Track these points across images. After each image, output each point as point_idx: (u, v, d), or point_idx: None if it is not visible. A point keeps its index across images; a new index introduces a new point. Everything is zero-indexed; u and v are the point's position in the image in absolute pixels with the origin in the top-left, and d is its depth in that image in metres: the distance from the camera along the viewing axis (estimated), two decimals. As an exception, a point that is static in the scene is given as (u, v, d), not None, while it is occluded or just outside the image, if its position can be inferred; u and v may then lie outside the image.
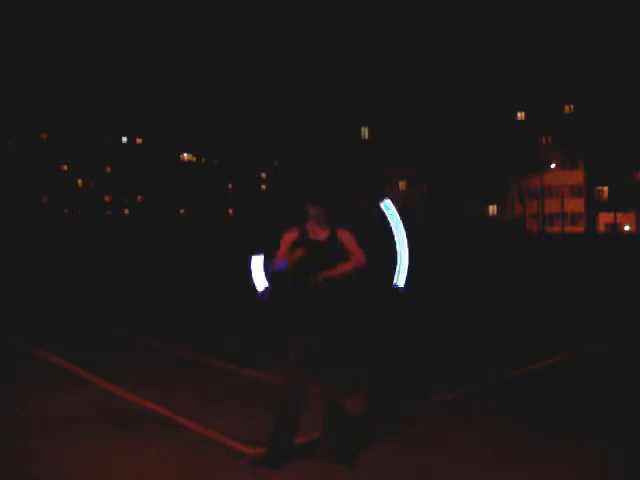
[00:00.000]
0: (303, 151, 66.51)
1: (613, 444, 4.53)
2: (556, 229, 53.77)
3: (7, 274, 15.95)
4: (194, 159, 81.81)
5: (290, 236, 4.28)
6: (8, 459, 4.34)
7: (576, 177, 60.24)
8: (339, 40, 72.32)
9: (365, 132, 68.68)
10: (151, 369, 6.80)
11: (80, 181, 74.59)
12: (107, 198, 75.91)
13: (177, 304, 11.79)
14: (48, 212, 64.32)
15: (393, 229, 4.32)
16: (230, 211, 78.11)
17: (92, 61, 71.93)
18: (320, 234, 4.25)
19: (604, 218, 56.37)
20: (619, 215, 52.07)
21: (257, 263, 4.41)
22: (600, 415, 5.19)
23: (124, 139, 77.49)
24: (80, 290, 13.56)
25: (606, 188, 58.57)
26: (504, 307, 11.39)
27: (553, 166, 60.47)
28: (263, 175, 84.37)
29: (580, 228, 57.54)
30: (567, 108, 61.15)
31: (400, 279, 4.31)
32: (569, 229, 53.70)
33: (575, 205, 59.13)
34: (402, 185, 67.01)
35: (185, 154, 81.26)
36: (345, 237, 4.27)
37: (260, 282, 4.40)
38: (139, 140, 78.38)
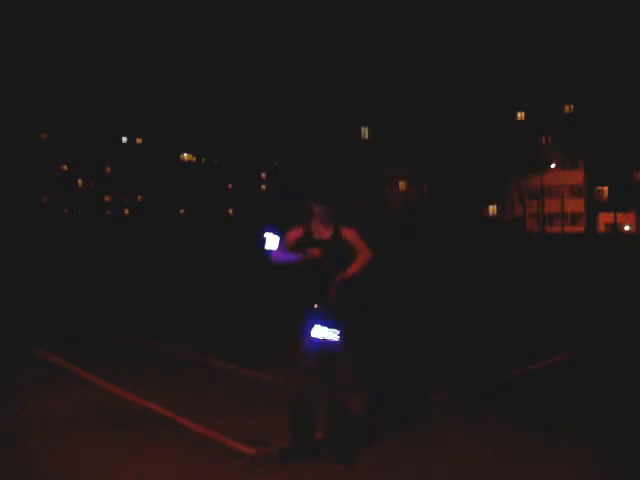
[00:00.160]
0: (303, 151, 66.49)
1: (613, 444, 4.53)
2: (556, 229, 53.74)
3: (7, 274, 15.94)
4: (194, 159, 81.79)
5: (294, 234, 4.28)
6: (8, 459, 4.33)
7: (576, 177, 60.23)
8: (339, 40, 72.29)
9: (365, 132, 68.67)
10: (151, 369, 6.80)
11: (80, 181, 74.56)
12: (107, 198, 75.87)
13: (177, 304, 11.78)
14: (48, 212, 64.27)
15: None
16: (230, 211, 78.09)
17: (92, 61, 71.94)
18: (324, 233, 4.25)
19: (604, 218, 56.36)
20: (619, 215, 52.04)
21: (271, 238, 4.31)
22: (600, 415, 5.19)
23: (124, 139, 77.47)
24: (80, 290, 13.55)
25: (606, 188, 58.56)
26: (504, 307, 11.39)
27: (553, 166, 60.46)
28: (263, 175, 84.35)
29: (580, 228, 57.52)
30: (567, 108, 61.14)
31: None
32: (569, 229, 53.67)
33: (575, 205, 59.13)
34: (402, 185, 66.98)
35: (185, 154, 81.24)
36: (350, 235, 4.27)
37: (272, 243, 4.27)
38: (139, 140, 78.36)
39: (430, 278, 15.32)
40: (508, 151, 60.61)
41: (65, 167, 73.13)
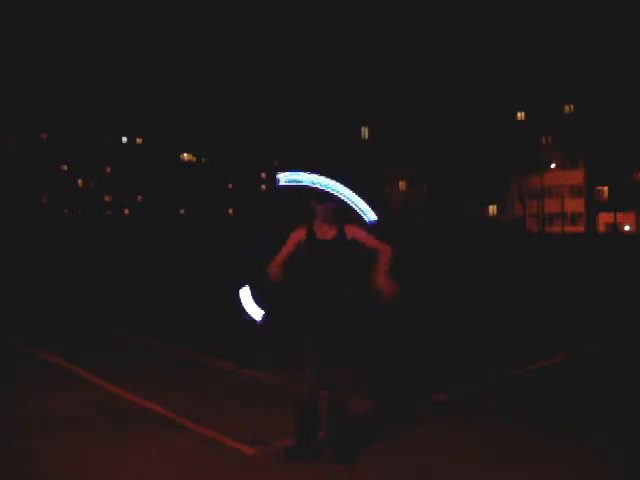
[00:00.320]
0: (303, 151, 66.50)
1: (613, 444, 4.53)
2: (556, 229, 53.75)
3: (7, 274, 15.94)
4: (194, 159, 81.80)
5: (297, 236, 4.25)
6: (8, 459, 4.34)
7: (576, 177, 60.25)
8: (339, 40, 72.32)
9: (365, 132, 68.69)
10: (151, 369, 6.80)
11: (80, 181, 74.58)
12: (107, 198, 75.90)
13: (177, 304, 11.78)
14: (48, 212, 64.28)
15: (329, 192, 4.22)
16: (230, 211, 78.08)
17: (92, 61, 71.95)
18: (328, 233, 4.22)
19: (604, 218, 56.38)
20: (619, 215, 52.05)
21: (245, 294, 4.38)
22: (600, 415, 5.19)
23: (124, 139, 77.48)
24: (80, 290, 13.55)
25: (606, 188, 58.58)
26: (504, 307, 11.39)
27: (553, 166, 60.47)
28: (263, 175, 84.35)
29: (580, 228, 57.54)
30: (567, 108, 61.16)
31: (368, 213, 4.22)
32: (569, 229, 53.69)
33: (575, 205, 59.15)
34: (402, 185, 67.01)
35: (185, 154, 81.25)
36: (356, 233, 4.22)
37: (254, 311, 4.35)
38: (139, 140, 78.37)
39: (430, 278, 15.32)
40: (508, 151, 60.63)
41: (65, 167, 73.14)
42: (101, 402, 5.55)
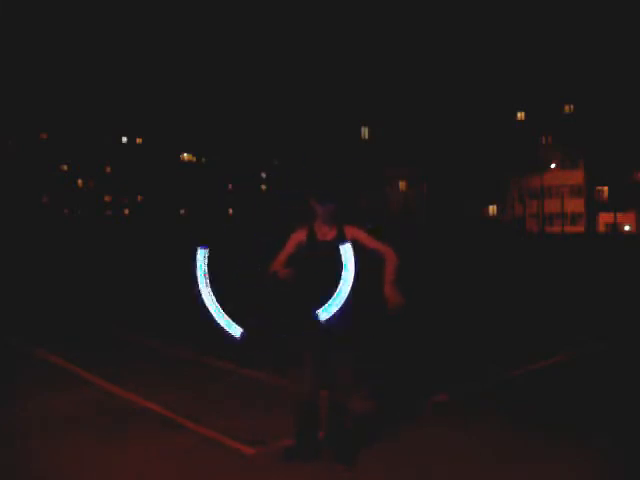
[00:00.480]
0: (303, 151, 66.50)
1: (613, 444, 4.53)
2: (556, 229, 53.79)
3: (7, 274, 15.94)
4: (194, 159, 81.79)
5: (297, 237, 4.24)
6: (8, 459, 4.34)
7: (576, 177, 60.27)
8: (339, 40, 72.31)
9: (365, 132, 68.70)
10: (151, 369, 6.80)
11: (80, 181, 74.56)
12: (107, 198, 75.87)
13: (177, 304, 11.77)
14: (48, 212, 64.30)
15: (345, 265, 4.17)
16: (230, 211, 78.06)
17: (92, 61, 71.94)
18: (328, 234, 4.20)
19: (604, 218, 56.41)
20: (619, 215, 52.09)
21: (219, 315, 4.36)
22: (600, 415, 5.19)
23: (124, 139, 77.47)
24: (80, 290, 13.55)
25: (606, 188, 58.61)
26: (504, 307, 11.39)
27: (553, 166, 60.49)
28: (263, 175, 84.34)
29: (580, 228, 57.56)
30: (567, 108, 61.19)
31: (327, 311, 4.02)
32: (569, 229, 53.72)
33: (575, 205, 59.18)
34: (402, 185, 67.02)
35: (185, 154, 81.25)
36: (356, 233, 4.20)
37: (233, 329, 4.32)
38: (139, 140, 78.35)
39: (430, 278, 15.32)
40: (508, 151, 60.66)
41: (65, 167, 73.12)
42: (101, 402, 5.55)
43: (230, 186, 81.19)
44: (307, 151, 65.70)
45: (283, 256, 4.24)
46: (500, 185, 62.14)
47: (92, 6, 75.43)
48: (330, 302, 3.99)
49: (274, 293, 4.48)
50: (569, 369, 6.76)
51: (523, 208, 54.88)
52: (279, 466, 4.14)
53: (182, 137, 78.32)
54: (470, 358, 7.27)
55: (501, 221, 61.09)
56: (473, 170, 60.76)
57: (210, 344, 8.07)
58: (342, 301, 4.00)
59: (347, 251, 4.00)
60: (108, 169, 76.06)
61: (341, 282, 3.99)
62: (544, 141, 62.64)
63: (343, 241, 4.12)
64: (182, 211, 75.92)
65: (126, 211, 75.39)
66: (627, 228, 55.17)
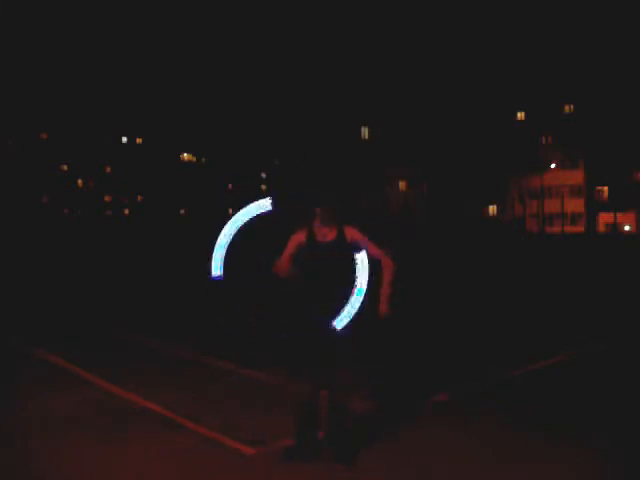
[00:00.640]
0: (303, 151, 66.48)
1: (613, 444, 4.53)
2: (556, 229, 53.75)
3: (7, 274, 15.94)
4: (194, 159, 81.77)
5: (297, 238, 4.24)
6: (8, 459, 4.34)
7: (576, 177, 60.25)
8: (339, 40, 72.28)
9: (365, 132, 68.68)
10: (151, 369, 6.80)
11: (80, 181, 74.55)
12: (107, 198, 75.85)
13: (177, 304, 11.78)
14: (48, 212, 64.28)
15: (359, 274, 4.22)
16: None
17: (92, 61, 71.93)
18: (328, 235, 4.20)
19: (604, 218, 56.37)
20: (619, 215, 52.05)
21: (219, 252, 4.38)
22: (600, 415, 5.19)
23: (124, 139, 77.45)
24: (80, 290, 13.55)
25: (606, 188, 58.58)
26: (504, 307, 11.39)
27: (553, 166, 60.46)
28: (263, 175, 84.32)
29: (580, 228, 57.53)
30: (567, 108, 61.16)
31: (340, 322, 4.19)
32: (569, 229, 53.68)
33: (575, 205, 59.14)
34: (402, 185, 66.99)
35: (185, 154, 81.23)
36: (356, 235, 4.21)
37: (216, 267, 4.35)
38: (139, 140, 78.33)
39: (430, 278, 15.32)
40: (508, 151, 60.62)
41: (65, 167, 73.11)
42: (101, 402, 5.55)
43: (230, 186, 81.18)
44: (307, 151, 65.68)
45: (285, 257, 4.24)
46: (500, 185, 62.12)
47: (92, 6, 75.44)
48: (345, 314, 4.07)
49: (275, 293, 4.48)
50: (569, 369, 6.76)
51: (523, 208, 54.86)
52: (279, 466, 4.15)
53: (182, 137, 78.30)
54: (470, 358, 7.27)
55: (501, 221, 61.05)
56: (473, 170, 60.73)
57: (210, 344, 8.09)
58: (355, 311, 4.06)
59: (362, 261, 4.02)
60: (108, 169, 76.04)
61: (354, 292, 4.03)
62: (544, 141, 62.61)
63: (343, 242, 4.13)
64: (182, 211, 75.91)
65: (126, 211, 75.37)
66: (627, 228, 55.15)
